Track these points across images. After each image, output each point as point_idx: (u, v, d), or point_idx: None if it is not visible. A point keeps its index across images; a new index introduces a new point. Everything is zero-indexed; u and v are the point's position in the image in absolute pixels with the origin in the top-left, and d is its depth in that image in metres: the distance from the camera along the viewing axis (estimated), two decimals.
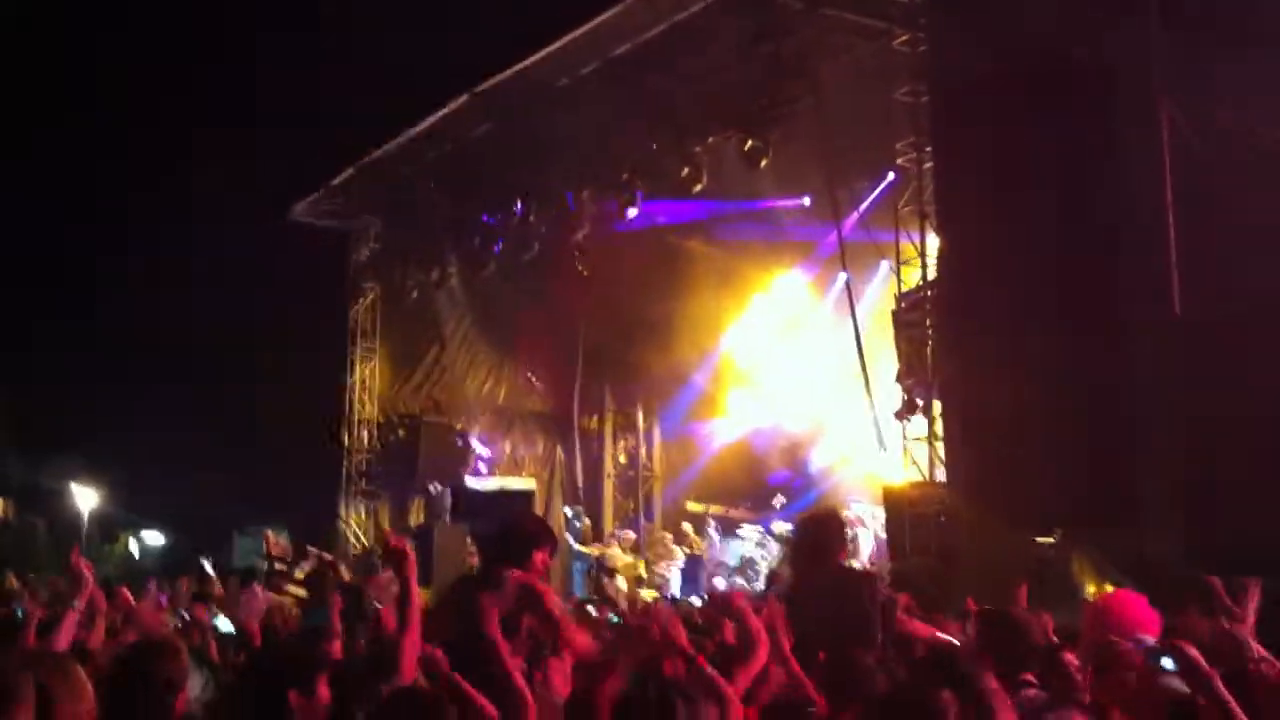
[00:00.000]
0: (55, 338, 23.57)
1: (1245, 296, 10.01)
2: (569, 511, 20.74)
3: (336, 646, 6.31)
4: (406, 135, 18.15)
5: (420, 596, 4.83)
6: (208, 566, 13.19)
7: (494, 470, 22.22)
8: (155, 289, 22.58)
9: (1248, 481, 9.73)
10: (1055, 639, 5.54)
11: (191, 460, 23.72)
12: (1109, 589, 9.14)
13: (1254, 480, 9.69)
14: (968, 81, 12.17)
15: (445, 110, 17.35)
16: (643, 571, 19.37)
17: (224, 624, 8.16)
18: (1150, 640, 5.00)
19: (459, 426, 21.83)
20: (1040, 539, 11.11)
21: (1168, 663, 3.98)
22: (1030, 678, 4.85)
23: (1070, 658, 4.99)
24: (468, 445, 21.64)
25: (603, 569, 18.50)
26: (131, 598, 7.58)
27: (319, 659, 4.53)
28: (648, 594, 17.64)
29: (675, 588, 18.18)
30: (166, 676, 4.13)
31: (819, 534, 6.56)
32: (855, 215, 15.80)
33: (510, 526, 5.99)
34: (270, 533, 18.12)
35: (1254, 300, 9.97)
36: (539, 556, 5.67)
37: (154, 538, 29.13)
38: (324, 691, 4.09)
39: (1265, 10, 10.40)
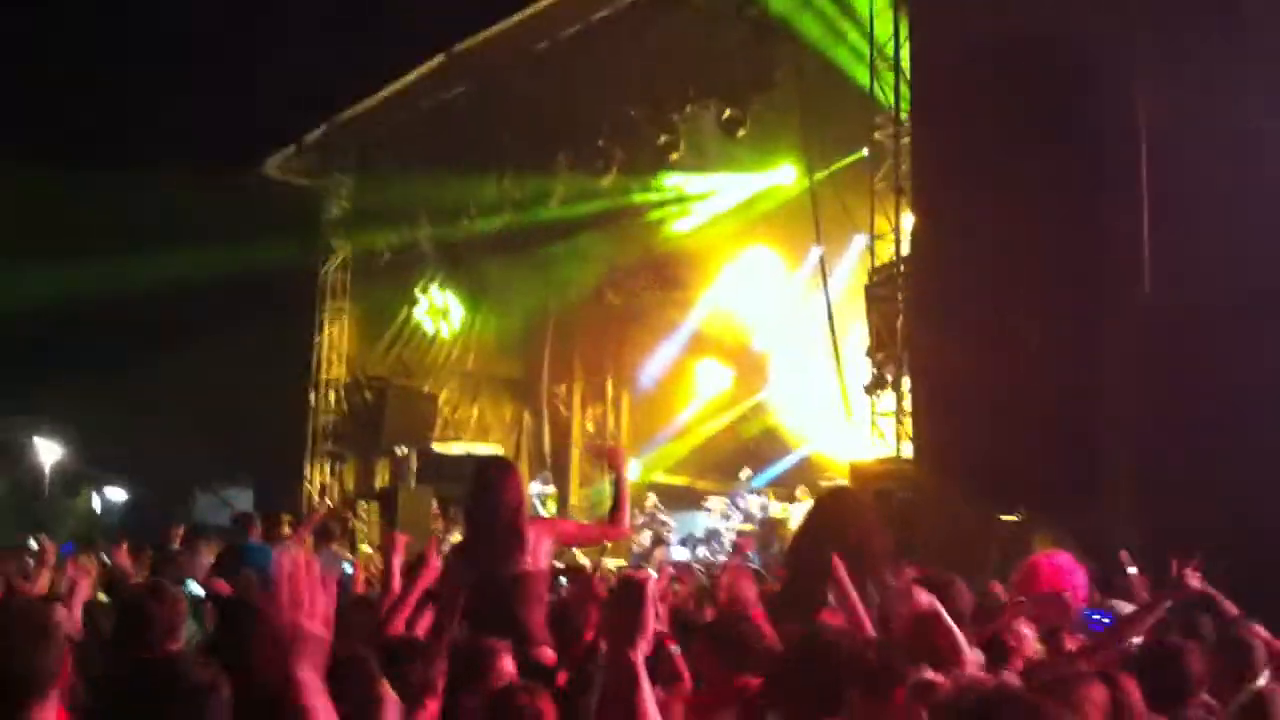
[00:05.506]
0: (22, 290, 23.19)
1: (1216, 280, 10.04)
2: (539, 480, 20.70)
3: None
4: (382, 94, 17.95)
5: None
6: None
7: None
8: (122, 239, 22.26)
9: (1211, 469, 9.78)
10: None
11: (156, 416, 23.49)
12: None
13: (1217, 468, 9.74)
14: (949, 60, 12.12)
15: (421, 70, 17.16)
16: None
17: (194, 588, 8.03)
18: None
19: (427, 390, 21.73)
20: (1004, 517, 11.13)
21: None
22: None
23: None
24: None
25: None
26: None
27: None
28: (612, 563, 17.64)
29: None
30: (164, 619, 4.22)
31: (831, 513, 6.44)
32: (830, 189, 15.73)
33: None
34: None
35: (1224, 286, 9.99)
36: None
37: (116, 493, 28.93)
38: None
39: None
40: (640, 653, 2.80)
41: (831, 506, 6.44)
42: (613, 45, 15.80)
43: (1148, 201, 10.76)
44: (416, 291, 21.58)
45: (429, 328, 21.71)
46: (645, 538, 18.74)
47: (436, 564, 4.99)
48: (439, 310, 21.67)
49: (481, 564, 5.45)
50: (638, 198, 19.02)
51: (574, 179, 17.49)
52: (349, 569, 11.41)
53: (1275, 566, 8.42)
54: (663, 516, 18.96)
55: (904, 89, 13.39)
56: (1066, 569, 5.94)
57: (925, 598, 4.55)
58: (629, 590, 2.88)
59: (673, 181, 18.14)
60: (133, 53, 21.48)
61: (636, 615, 2.82)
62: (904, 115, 13.35)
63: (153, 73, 21.25)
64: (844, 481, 14.33)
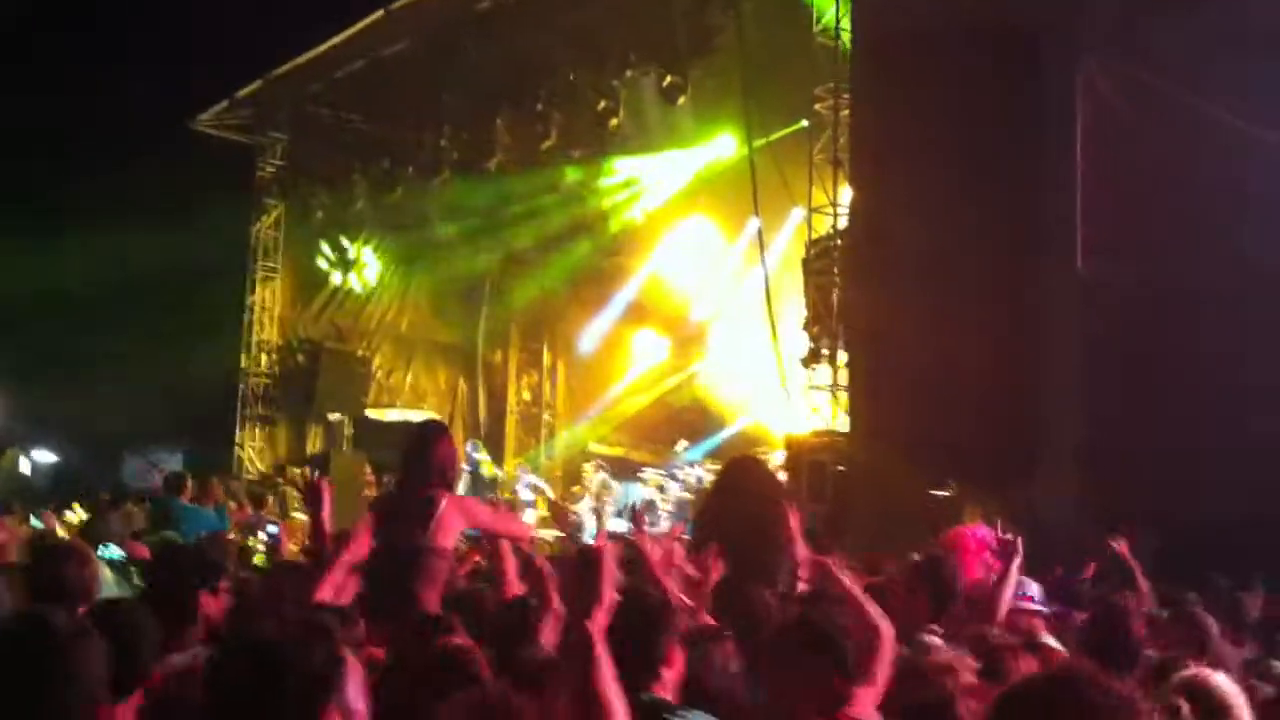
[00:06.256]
0: None
1: (1154, 260, 10.09)
2: (470, 447, 20.50)
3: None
4: (318, 49, 17.57)
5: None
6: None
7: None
8: (50, 196, 21.70)
9: (1140, 444, 9.87)
10: None
11: (85, 378, 23.00)
12: None
13: (1146, 444, 9.83)
14: (891, 33, 12.07)
15: (359, 25, 16.81)
16: (544, 510, 19.23)
17: (113, 551, 7.76)
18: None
19: (360, 353, 21.46)
20: (935, 491, 11.15)
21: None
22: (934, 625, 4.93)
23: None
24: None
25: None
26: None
27: (220, 563, 4.52)
28: (548, 534, 17.52)
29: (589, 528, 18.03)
30: (76, 581, 4.15)
31: (741, 475, 6.59)
32: (769, 161, 15.63)
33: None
34: None
35: (1163, 267, 10.06)
36: None
37: (44, 456, 28.37)
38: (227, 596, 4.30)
39: None
40: (598, 624, 2.82)
41: (735, 476, 6.49)
42: (555, 7, 15.58)
43: (1084, 181, 10.80)
44: (323, 243, 21.10)
45: (336, 280, 21.31)
46: (584, 508, 18.64)
47: (366, 539, 4.86)
48: (350, 263, 21.26)
49: (396, 528, 5.44)
50: (590, 201, 18.92)
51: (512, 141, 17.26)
52: (274, 530, 11.30)
53: (1208, 545, 8.51)
54: (598, 480, 18.86)
55: (845, 61, 13.32)
56: (985, 541, 5.96)
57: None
58: (588, 562, 2.90)
59: (618, 166, 18.02)
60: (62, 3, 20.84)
61: (595, 587, 2.84)
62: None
63: (83, 21, 20.67)
64: (760, 452, 14.31)
